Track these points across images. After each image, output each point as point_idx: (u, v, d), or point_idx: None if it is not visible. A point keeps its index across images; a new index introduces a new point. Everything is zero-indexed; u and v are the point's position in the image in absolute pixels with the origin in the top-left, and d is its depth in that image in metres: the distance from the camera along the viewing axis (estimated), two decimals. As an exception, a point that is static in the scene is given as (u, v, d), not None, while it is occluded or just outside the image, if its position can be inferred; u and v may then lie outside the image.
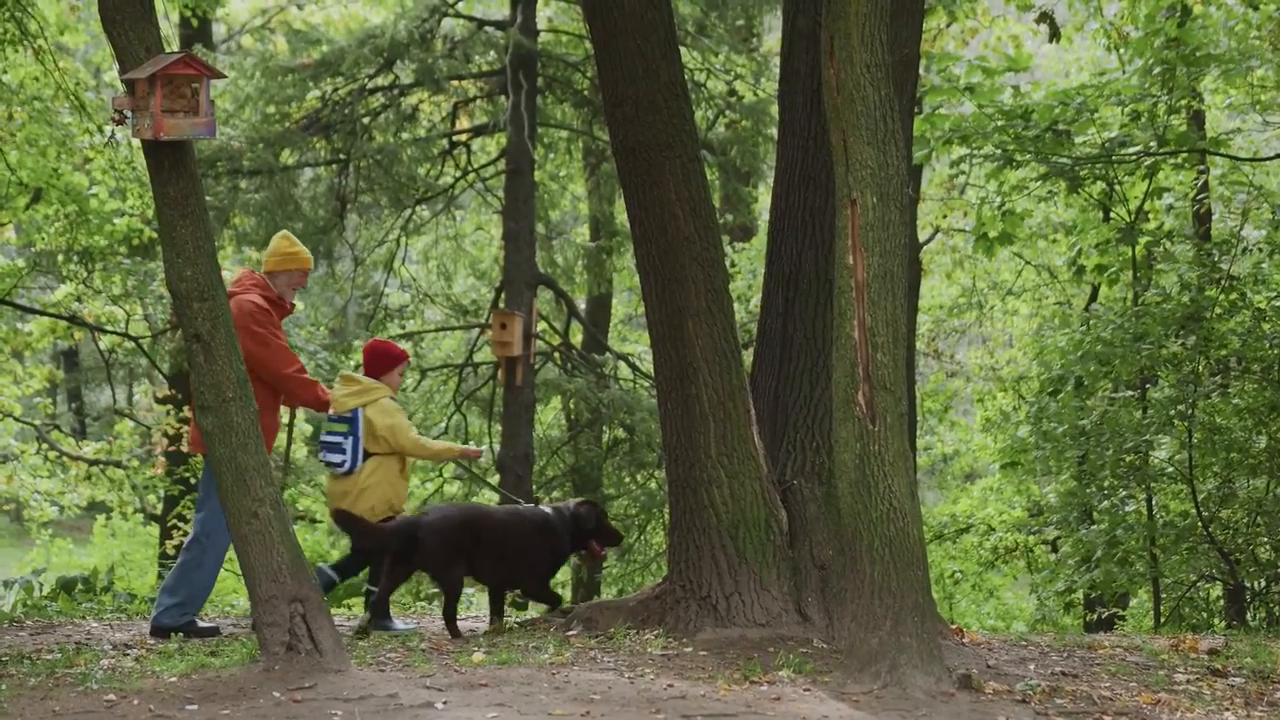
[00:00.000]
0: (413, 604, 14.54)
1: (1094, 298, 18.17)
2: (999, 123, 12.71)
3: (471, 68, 19.67)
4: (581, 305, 23.25)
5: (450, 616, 8.96)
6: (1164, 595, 14.32)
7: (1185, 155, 13.59)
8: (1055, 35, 13.17)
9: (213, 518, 8.89)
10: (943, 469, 26.67)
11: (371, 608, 9.33)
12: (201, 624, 9.23)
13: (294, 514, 23.19)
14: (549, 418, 22.54)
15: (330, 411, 9.49)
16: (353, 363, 21.20)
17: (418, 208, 20.31)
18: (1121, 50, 16.02)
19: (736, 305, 16.87)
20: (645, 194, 8.80)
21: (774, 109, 16.14)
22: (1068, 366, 14.04)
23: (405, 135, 19.67)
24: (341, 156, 19.05)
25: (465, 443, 21.63)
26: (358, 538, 9.27)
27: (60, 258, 17.42)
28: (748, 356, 9.54)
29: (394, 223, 20.32)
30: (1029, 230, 18.34)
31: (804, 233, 9.17)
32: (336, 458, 9.45)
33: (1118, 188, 14.42)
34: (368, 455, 9.47)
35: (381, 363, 9.73)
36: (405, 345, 21.96)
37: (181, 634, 8.94)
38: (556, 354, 20.21)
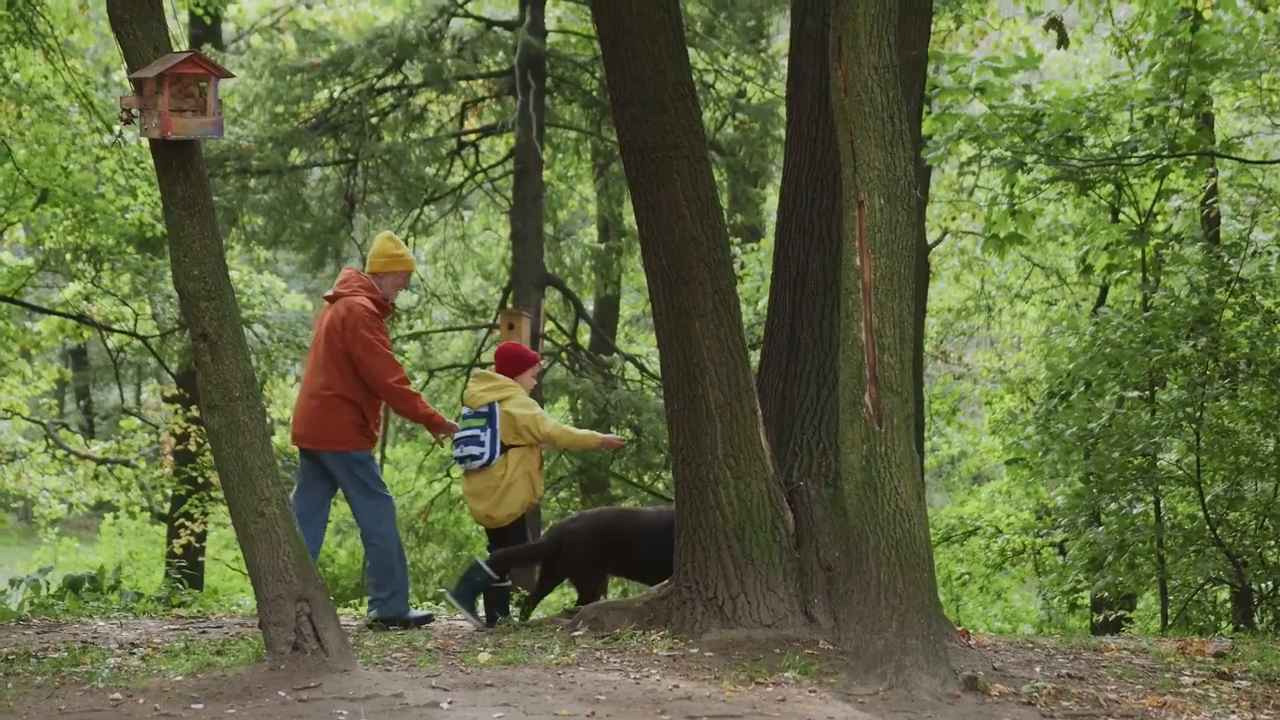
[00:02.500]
0: (419, 604, 14.55)
1: (1102, 300, 18.15)
2: (1010, 124, 12.68)
3: (480, 68, 19.68)
4: (589, 306, 23.27)
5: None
6: (1171, 598, 14.30)
7: (1195, 158, 13.56)
8: (1064, 42, 13.17)
9: (375, 506, 9.34)
10: (950, 471, 26.65)
11: (521, 608, 9.76)
12: (415, 613, 9.55)
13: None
14: (557, 419, 22.53)
15: (464, 409, 9.63)
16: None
17: (426, 208, 20.32)
18: (1131, 54, 15.99)
19: (744, 306, 16.89)
20: (653, 195, 8.80)
21: (782, 110, 16.12)
22: (1078, 370, 14.02)
23: (414, 135, 19.68)
24: (350, 156, 19.07)
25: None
26: (518, 563, 9.68)
27: (68, 256, 17.45)
28: (755, 357, 9.53)
29: (402, 222, 20.33)
30: (1038, 232, 18.32)
31: (811, 234, 9.17)
32: (475, 449, 9.47)
33: (1127, 190, 14.40)
34: (504, 449, 9.50)
35: (514, 364, 9.78)
36: (412, 345, 22.11)
37: (400, 624, 9.29)
38: (564, 354, 20.21)
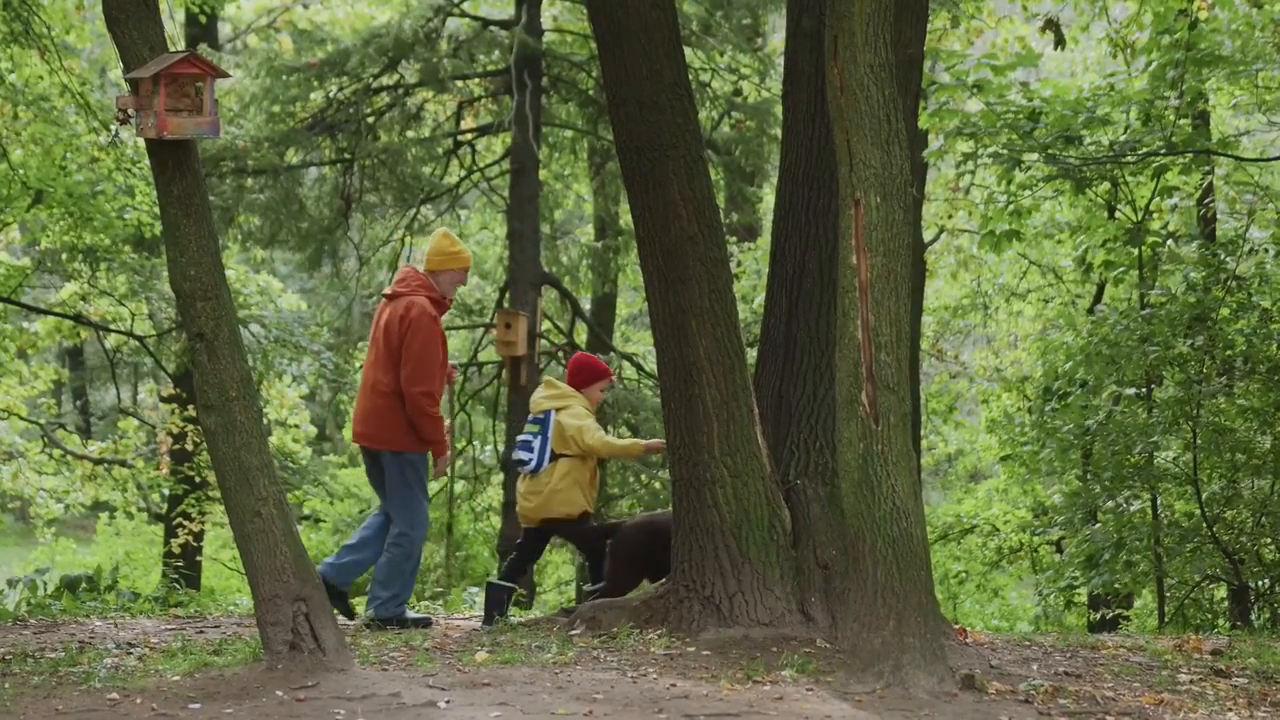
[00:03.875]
0: (417, 604, 14.55)
1: (1099, 298, 18.15)
2: (1007, 121, 12.68)
3: (476, 67, 19.69)
4: (586, 305, 23.26)
5: None
6: (1168, 595, 14.31)
7: (1192, 156, 13.57)
8: (1060, 43, 13.15)
9: (412, 508, 9.38)
10: (947, 469, 26.67)
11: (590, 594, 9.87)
12: (412, 615, 9.55)
13: (298, 514, 23.22)
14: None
15: (530, 414, 9.77)
16: (357, 365, 21.24)
17: (422, 207, 20.32)
18: (1126, 53, 16.01)
19: (741, 305, 16.88)
20: (649, 194, 8.80)
21: (778, 109, 16.12)
22: (1075, 369, 14.03)
23: (410, 135, 19.68)
24: (346, 156, 19.06)
25: (469, 443, 21.67)
26: (572, 539, 9.92)
27: (64, 256, 17.45)
28: (752, 356, 9.53)
29: (399, 222, 20.33)
30: (1035, 230, 18.32)
31: (808, 233, 9.17)
32: (525, 455, 9.61)
33: (1123, 187, 14.41)
34: (557, 458, 9.57)
35: (584, 375, 9.83)
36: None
37: (397, 624, 9.29)
38: (561, 353, 20.21)
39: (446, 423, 9.61)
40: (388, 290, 9.57)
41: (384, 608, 9.40)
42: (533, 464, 9.56)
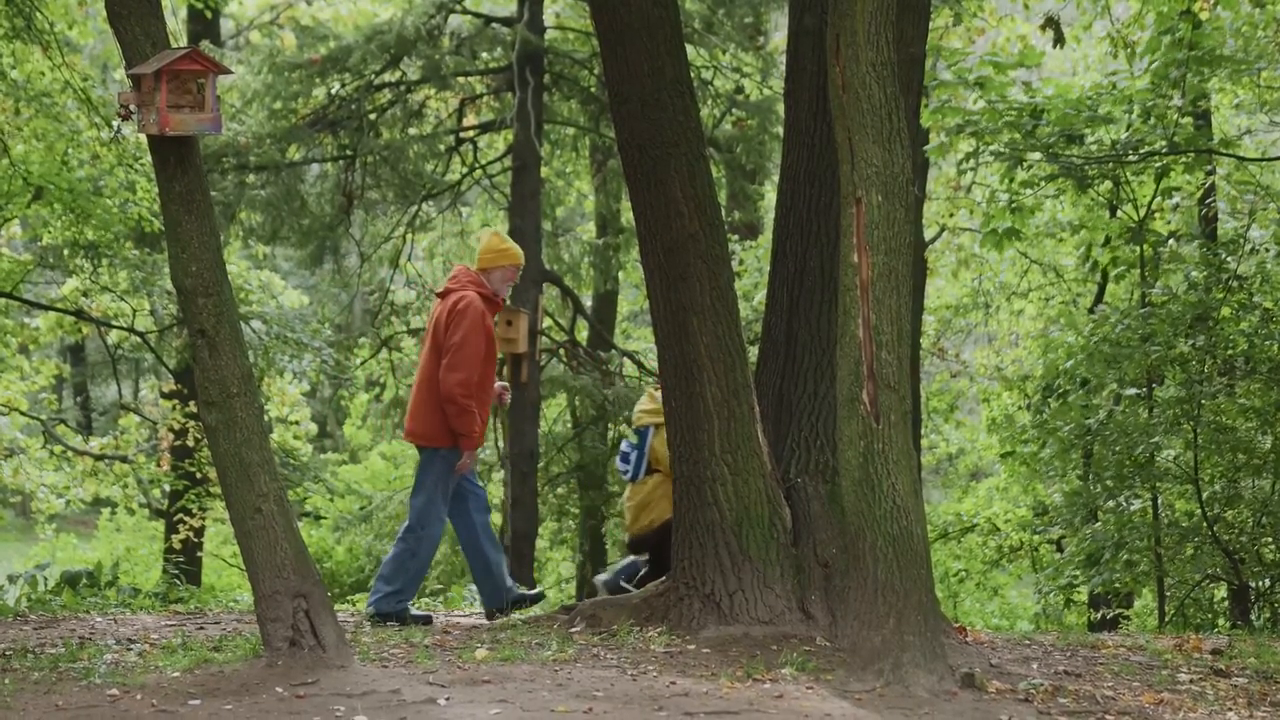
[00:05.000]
0: (417, 602, 14.56)
1: (1100, 298, 18.15)
2: (1009, 119, 12.68)
3: (478, 64, 19.68)
4: (587, 302, 23.25)
5: None
6: (1168, 595, 14.31)
7: (1193, 156, 13.56)
8: (1060, 41, 13.15)
9: (429, 507, 9.48)
10: (948, 468, 26.66)
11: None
12: (415, 612, 9.62)
13: (299, 511, 23.22)
14: (554, 414, 22.55)
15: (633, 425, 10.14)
16: (358, 362, 21.24)
17: (424, 204, 20.31)
18: (1127, 53, 16.00)
19: (742, 303, 16.87)
20: (650, 191, 8.80)
21: (780, 107, 16.12)
22: (1076, 368, 14.02)
23: (412, 131, 19.67)
24: (348, 152, 19.05)
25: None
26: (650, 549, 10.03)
27: (66, 252, 17.44)
28: (753, 354, 9.54)
29: (400, 219, 20.32)
30: (1036, 229, 18.32)
31: (809, 231, 9.17)
32: (623, 466, 10.05)
33: (1125, 187, 14.40)
34: (650, 471, 9.90)
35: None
36: (410, 341, 22.09)
37: (398, 620, 9.39)
38: (562, 351, 20.21)
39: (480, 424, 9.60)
40: (440, 289, 9.76)
41: (384, 602, 9.44)
42: (629, 474, 9.98)
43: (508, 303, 10.30)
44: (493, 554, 9.75)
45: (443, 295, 9.65)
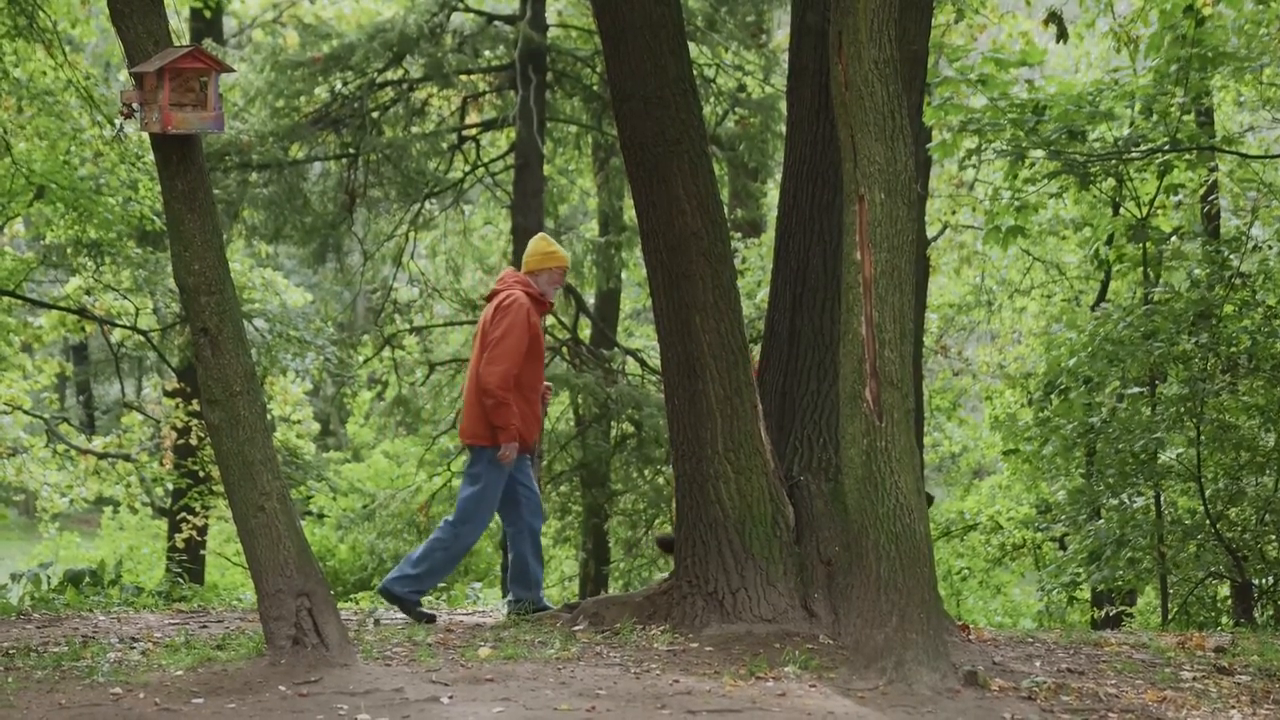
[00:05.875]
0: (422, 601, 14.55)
1: (1103, 295, 18.15)
2: (1012, 116, 12.67)
3: (481, 62, 19.68)
4: (590, 300, 23.25)
5: None
6: (1171, 592, 14.31)
7: (1196, 153, 13.56)
8: (1063, 36, 13.12)
9: (472, 505, 9.53)
10: (951, 466, 26.65)
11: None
12: (421, 609, 9.63)
13: (302, 510, 23.22)
14: (557, 412, 22.54)
15: None
16: (360, 360, 21.23)
17: (426, 202, 20.32)
18: (1131, 49, 15.98)
19: (745, 301, 16.86)
20: (653, 189, 8.80)
21: (783, 105, 16.11)
22: (1079, 366, 14.02)
23: (414, 130, 19.68)
24: (351, 151, 19.06)
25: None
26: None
27: (69, 251, 17.45)
28: (756, 352, 9.54)
29: (403, 217, 20.33)
30: (1039, 226, 18.31)
31: (812, 229, 9.17)
32: None
33: (1128, 184, 14.40)
34: None
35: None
36: (412, 339, 22.11)
37: (401, 608, 9.49)
38: (564, 349, 20.21)
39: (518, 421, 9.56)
40: (488, 292, 9.85)
41: (398, 583, 9.48)
42: None
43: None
44: (534, 566, 9.74)
45: (490, 297, 9.78)
